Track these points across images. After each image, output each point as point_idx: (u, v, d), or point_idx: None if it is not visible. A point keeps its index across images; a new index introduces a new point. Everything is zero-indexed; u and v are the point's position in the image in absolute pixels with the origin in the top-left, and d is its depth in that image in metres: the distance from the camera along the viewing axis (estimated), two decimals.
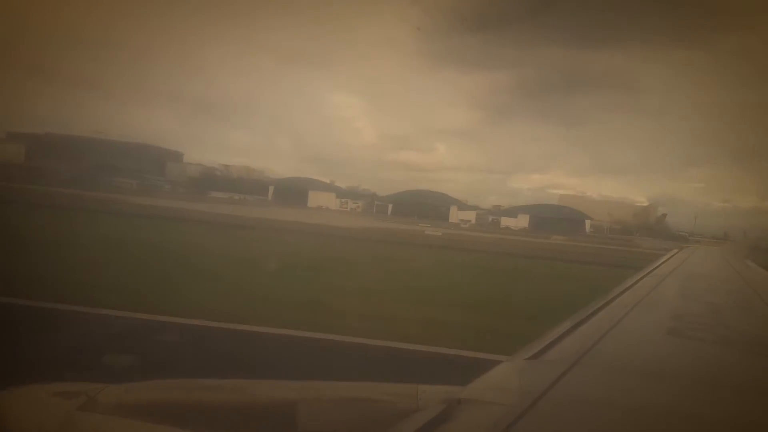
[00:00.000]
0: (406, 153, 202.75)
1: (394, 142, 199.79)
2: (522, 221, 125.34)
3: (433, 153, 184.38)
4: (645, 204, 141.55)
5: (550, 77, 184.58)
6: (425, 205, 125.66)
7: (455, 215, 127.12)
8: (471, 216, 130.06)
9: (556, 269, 46.64)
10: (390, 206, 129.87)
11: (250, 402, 3.94)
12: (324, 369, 10.93)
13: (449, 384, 4.28)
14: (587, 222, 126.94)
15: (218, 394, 4.04)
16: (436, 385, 4.40)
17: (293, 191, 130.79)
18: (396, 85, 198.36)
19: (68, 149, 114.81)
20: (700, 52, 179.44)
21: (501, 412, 3.58)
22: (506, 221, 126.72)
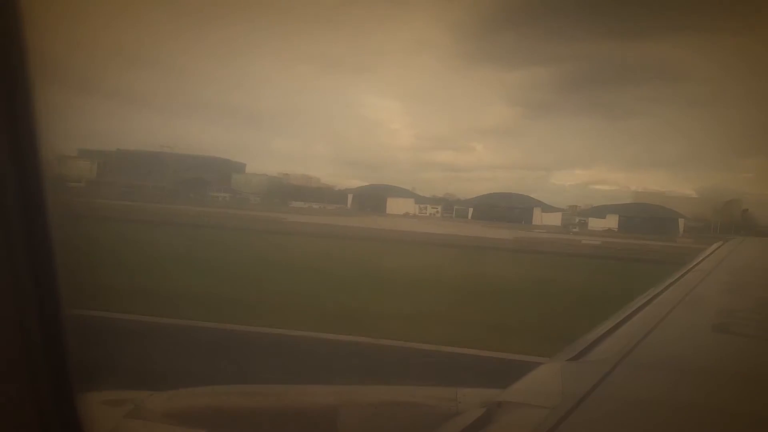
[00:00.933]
0: (444, 153, 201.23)
1: (431, 142, 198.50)
2: (611, 222, 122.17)
3: (471, 152, 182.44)
4: (728, 200, 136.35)
5: (592, 70, 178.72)
6: (507, 208, 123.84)
7: (539, 217, 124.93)
8: (557, 218, 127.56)
9: None
10: (470, 210, 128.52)
11: (291, 407, 4.04)
12: None
13: (489, 387, 4.31)
14: (681, 221, 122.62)
15: (260, 399, 4.15)
16: (476, 387, 4.42)
17: (372, 198, 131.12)
18: (433, 87, 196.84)
19: (142, 164, 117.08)
20: (749, 38, 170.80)
21: (542, 415, 3.58)
22: (594, 223, 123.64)
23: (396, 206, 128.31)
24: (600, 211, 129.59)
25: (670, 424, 3.82)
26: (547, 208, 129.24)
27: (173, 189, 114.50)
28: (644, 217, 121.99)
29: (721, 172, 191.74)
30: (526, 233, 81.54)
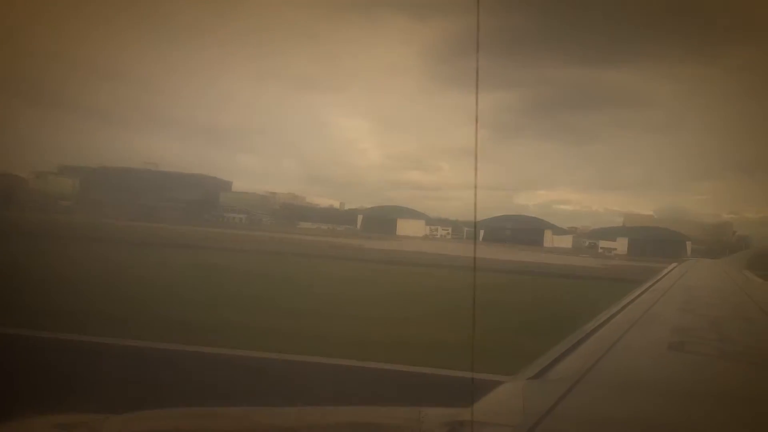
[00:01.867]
0: (412, 173, 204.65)
1: (400, 162, 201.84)
2: (621, 244, 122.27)
3: (438, 172, 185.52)
4: (721, 221, 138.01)
5: (557, 96, 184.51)
6: (517, 230, 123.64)
7: (550, 239, 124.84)
8: (567, 240, 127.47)
9: None
10: (482, 232, 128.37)
11: (251, 429, 4.01)
12: None
13: (452, 406, 4.31)
14: (688, 243, 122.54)
15: (219, 421, 4.12)
16: (439, 407, 4.42)
17: (381, 219, 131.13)
18: (403, 108, 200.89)
19: (126, 182, 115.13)
20: (706, 67, 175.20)
21: None
22: (605, 245, 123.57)
23: (406, 227, 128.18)
24: (607, 233, 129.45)
25: None
26: (558, 231, 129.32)
27: (178, 207, 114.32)
28: (653, 240, 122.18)
29: (677, 193, 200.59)
30: (551, 256, 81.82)
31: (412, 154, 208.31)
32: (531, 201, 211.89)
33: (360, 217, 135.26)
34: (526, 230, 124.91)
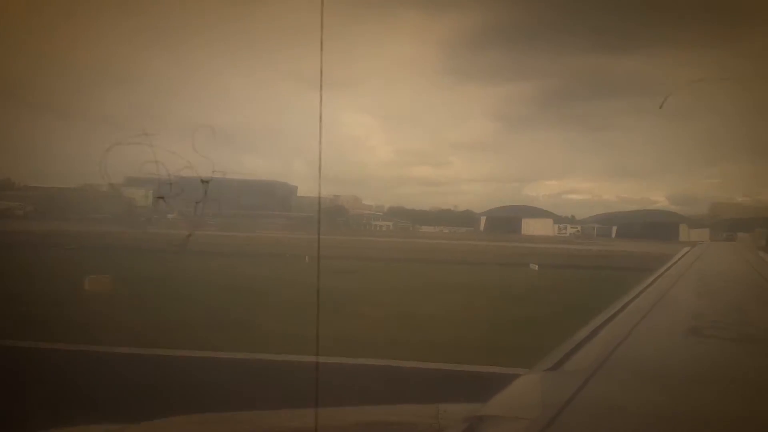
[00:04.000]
0: (422, 168, 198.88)
1: (411, 157, 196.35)
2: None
3: (449, 167, 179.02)
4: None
5: (572, 85, 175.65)
6: (652, 225, 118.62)
7: (686, 234, 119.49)
8: (705, 234, 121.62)
9: None
10: (614, 228, 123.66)
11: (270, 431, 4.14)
12: None
13: (469, 402, 4.30)
14: (682, 226, 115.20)
15: (235, 426, 4.28)
16: (456, 403, 4.42)
17: (505, 219, 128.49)
18: (416, 103, 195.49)
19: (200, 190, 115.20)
20: (722, 51, 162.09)
21: (523, 427, 3.60)
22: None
23: (532, 227, 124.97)
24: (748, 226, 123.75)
25: (650, 427, 3.74)
26: (695, 225, 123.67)
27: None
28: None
29: (689, 179, 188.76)
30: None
31: (422, 148, 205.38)
32: (541, 192, 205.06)
33: (483, 219, 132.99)
34: (661, 225, 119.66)
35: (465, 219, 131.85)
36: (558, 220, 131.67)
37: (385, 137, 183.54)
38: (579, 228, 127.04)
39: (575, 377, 4.38)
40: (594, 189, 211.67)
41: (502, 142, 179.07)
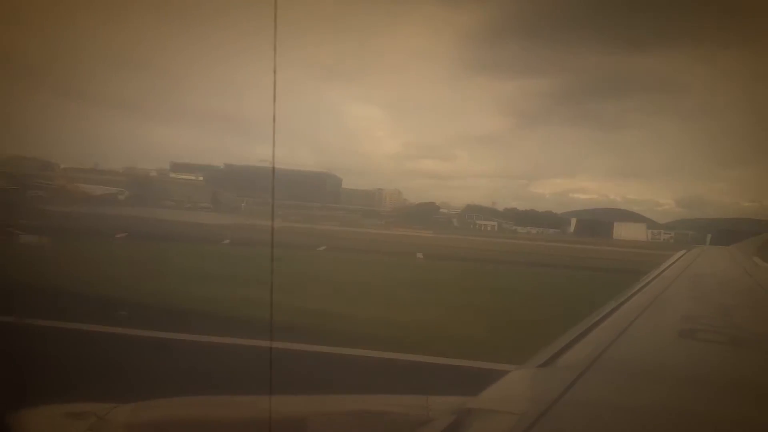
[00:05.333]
0: (428, 161, 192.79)
1: (418, 150, 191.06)
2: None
3: (455, 161, 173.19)
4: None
5: (587, 82, 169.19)
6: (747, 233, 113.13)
7: None
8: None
9: None
10: (709, 236, 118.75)
11: (260, 417, 4.20)
12: None
13: (460, 394, 4.28)
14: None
15: (228, 410, 4.36)
16: (447, 395, 4.40)
17: (596, 222, 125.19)
18: (428, 95, 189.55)
19: (250, 180, 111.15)
20: (740, 50, 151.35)
21: (512, 421, 3.59)
22: None
23: (624, 231, 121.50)
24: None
25: (638, 428, 3.73)
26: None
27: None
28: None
29: (702, 182, 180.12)
30: None
31: (432, 142, 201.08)
32: (547, 189, 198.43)
33: (574, 221, 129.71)
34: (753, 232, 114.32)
35: (551, 221, 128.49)
36: (651, 225, 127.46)
37: (391, 128, 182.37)
38: (672, 234, 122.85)
39: (567, 374, 4.31)
40: (601, 189, 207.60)
41: (511, 137, 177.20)
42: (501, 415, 3.83)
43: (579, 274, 42.01)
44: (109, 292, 21.55)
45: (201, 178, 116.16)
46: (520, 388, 4.36)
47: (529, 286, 33.84)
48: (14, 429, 3.66)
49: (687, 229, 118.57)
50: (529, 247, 65.40)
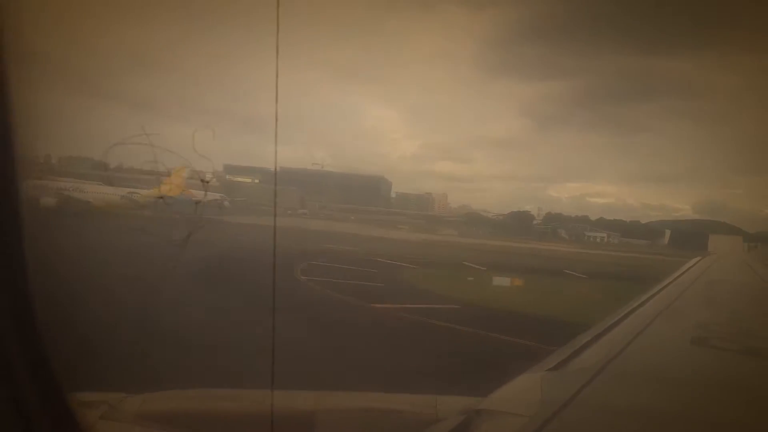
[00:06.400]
0: (444, 163, 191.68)
1: (436, 152, 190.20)
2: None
3: (472, 163, 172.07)
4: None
5: (606, 85, 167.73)
6: None
7: None
8: None
9: None
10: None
11: (268, 412, 4.21)
12: None
13: (469, 395, 4.28)
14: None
15: (236, 403, 4.38)
16: (456, 395, 4.40)
17: (690, 235, 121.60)
18: (446, 97, 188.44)
19: (307, 184, 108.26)
20: (760, 54, 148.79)
21: (521, 424, 3.58)
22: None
23: (721, 244, 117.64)
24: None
25: (648, 430, 3.67)
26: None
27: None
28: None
29: (720, 188, 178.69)
30: None
31: (449, 144, 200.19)
32: (564, 193, 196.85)
33: (668, 232, 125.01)
34: None
35: (643, 232, 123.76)
36: (747, 237, 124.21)
37: (409, 130, 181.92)
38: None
39: (578, 377, 4.29)
40: (618, 193, 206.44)
41: (529, 140, 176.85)
42: (510, 416, 3.82)
43: None
44: None
45: (257, 181, 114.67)
46: (530, 390, 4.33)
47: None
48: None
49: None
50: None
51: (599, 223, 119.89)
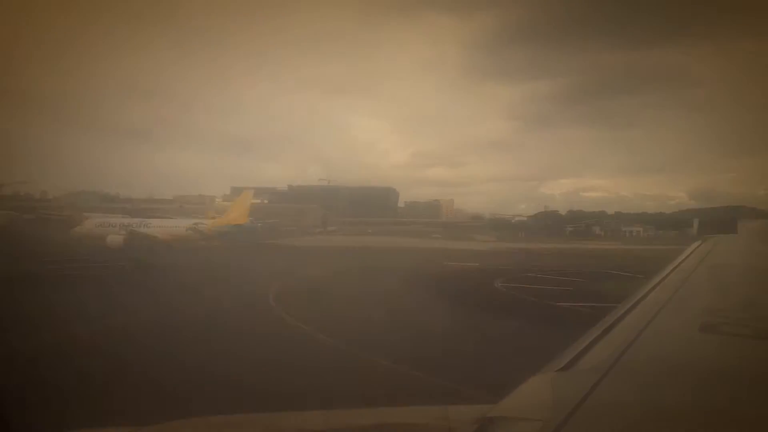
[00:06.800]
0: (437, 169, 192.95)
1: (427, 159, 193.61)
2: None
3: (465, 167, 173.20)
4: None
5: (594, 81, 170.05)
6: None
7: None
8: None
9: None
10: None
11: None
12: None
13: (479, 403, 4.23)
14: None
15: (247, 428, 4.34)
16: (467, 405, 4.36)
17: (718, 222, 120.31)
18: (435, 104, 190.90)
19: (316, 198, 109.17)
20: (754, 41, 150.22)
21: (535, 428, 3.55)
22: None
23: (749, 230, 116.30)
24: None
25: (664, 426, 3.68)
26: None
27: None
28: None
29: (712, 173, 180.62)
30: None
31: (441, 150, 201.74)
32: (557, 190, 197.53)
33: (696, 221, 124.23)
34: None
35: (673, 222, 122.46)
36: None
37: (400, 139, 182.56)
38: None
39: (589, 376, 4.24)
40: (611, 186, 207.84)
41: (520, 140, 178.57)
42: (524, 422, 3.79)
43: None
44: None
45: (266, 201, 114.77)
46: (541, 393, 4.30)
47: None
48: None
49: None
50: None
51: (625, 218, 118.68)
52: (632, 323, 5.74)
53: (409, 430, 4.28)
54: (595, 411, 3.74)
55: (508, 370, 7.06)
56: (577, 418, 3.57)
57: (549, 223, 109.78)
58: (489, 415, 3.86)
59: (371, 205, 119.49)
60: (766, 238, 18.15)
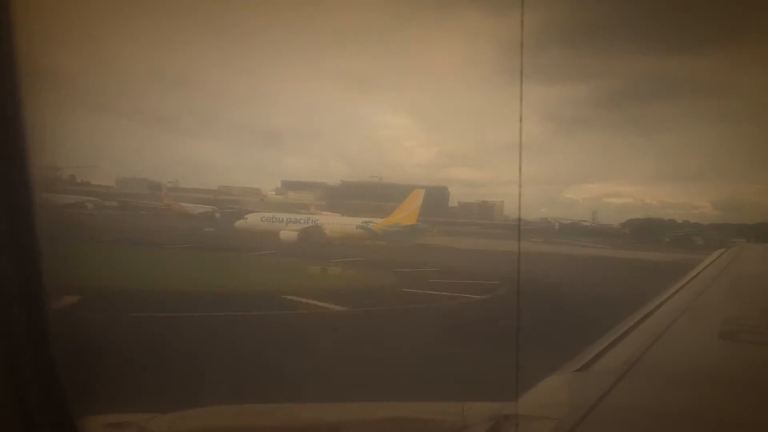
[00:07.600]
0: (462, 170, 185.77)
1: (454, 159, 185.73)
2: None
3: (490, 168, 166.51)
4: None
5: (631, 86, 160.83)
6: None
7: None
8: None
9: None
10: None
11: (297, 426, 4.22)
12: None
13: (496, 401, 4.23)
14: None
15: (265, 418, 4.36)
16: (483, 401, 4.36)
17: None
18: (464, 102, 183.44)
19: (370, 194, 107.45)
20: None
21: (550, 427, 3.55)
22: None
23: None
24: None
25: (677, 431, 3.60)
26: None
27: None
28: None
29: (737, 183, 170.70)
30: None
31: (468, 151, 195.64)
32: (581, 195, 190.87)
33: None
34: None
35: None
36: None
37: (427, 138, 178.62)
38: None
39: (605, 378, 4.21)
40: (636, 193, 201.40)
41: (549, 144, 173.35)
42: (538, 420, 3.79)
43: None
44: None
45: (324, 202, 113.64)
46: (557, 393, 4.28)
47: None
48: None
49: None
50: None
51: (724, 228, 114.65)
52: None
53: (425, 424, 4.30)
54: (610, 413, 3.72)
55: None
56: (591, 420, 3.55)
57: (641, 230, 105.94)
58: (504, 412, 3.86)
59: (426, 203, 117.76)
60: None
